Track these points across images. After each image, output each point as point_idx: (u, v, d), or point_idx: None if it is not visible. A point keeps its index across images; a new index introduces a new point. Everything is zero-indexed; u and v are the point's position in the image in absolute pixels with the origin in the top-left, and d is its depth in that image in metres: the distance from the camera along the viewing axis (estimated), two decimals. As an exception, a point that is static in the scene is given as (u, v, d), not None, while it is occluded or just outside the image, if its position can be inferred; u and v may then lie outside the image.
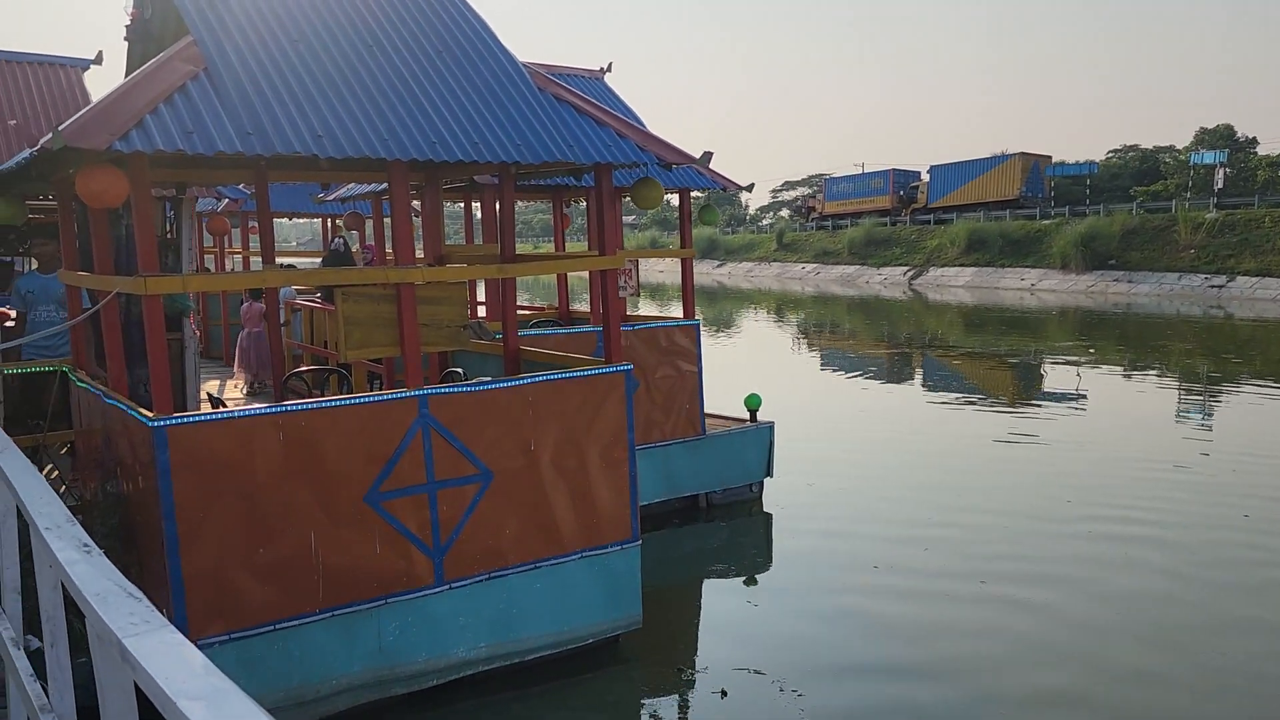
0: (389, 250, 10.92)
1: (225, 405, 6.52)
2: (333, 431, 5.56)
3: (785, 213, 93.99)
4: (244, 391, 13.00)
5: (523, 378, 6.24)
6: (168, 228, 9.61)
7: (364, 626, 5.72)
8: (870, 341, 27.82)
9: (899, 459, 12.70)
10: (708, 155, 6.42)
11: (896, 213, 61.62)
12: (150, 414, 5.12)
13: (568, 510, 6.42)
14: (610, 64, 11.17)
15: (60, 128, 4.53)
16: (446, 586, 5.97)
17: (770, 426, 10.52)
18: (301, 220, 18.49)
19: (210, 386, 12.69)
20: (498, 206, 8.26)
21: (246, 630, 5.35)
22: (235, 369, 13.38)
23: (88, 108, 4.88)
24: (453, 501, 5.96)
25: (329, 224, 16.87)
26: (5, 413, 8.27)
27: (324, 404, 5.59)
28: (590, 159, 6.06)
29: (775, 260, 65.33)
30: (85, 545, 2.50)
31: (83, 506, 7.04)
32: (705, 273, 57.65)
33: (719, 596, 8.39)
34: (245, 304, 12.77)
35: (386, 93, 5.77)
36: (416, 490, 5.85)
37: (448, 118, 5.81)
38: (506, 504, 6.16)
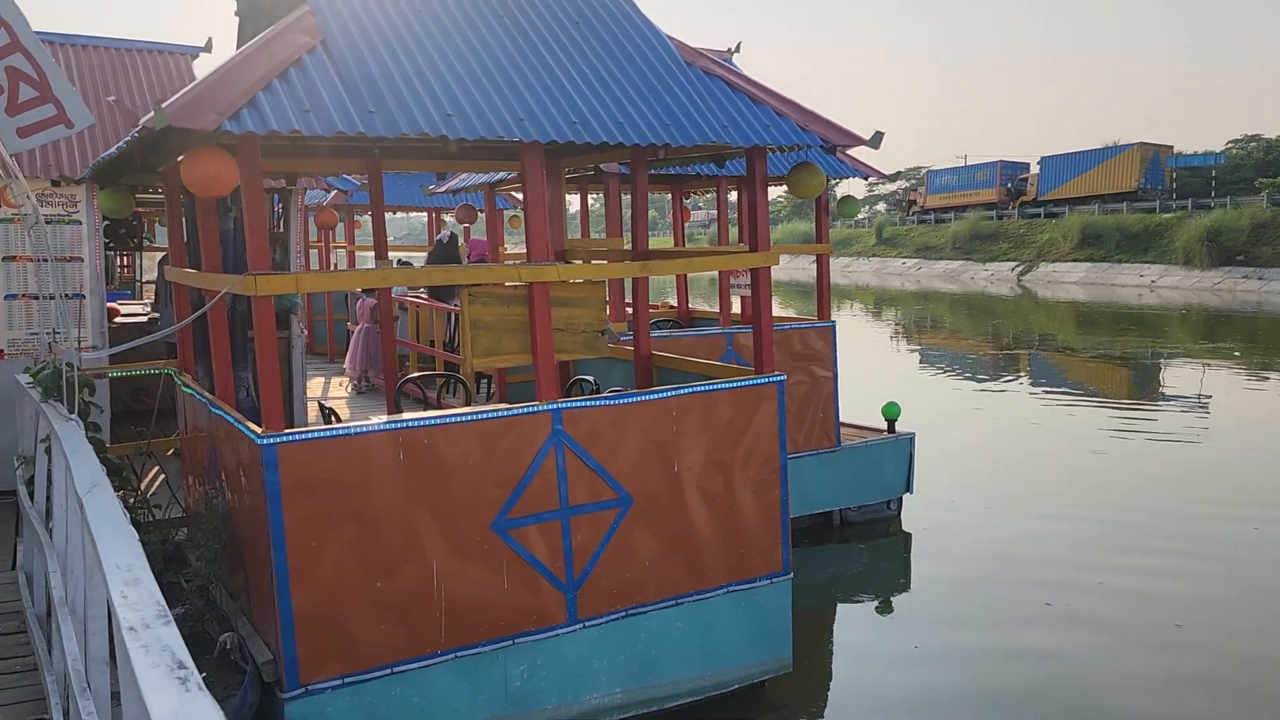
0: (504, 248, 10.33)
1: (336, 414, 5.96)
2: (457, 449, 4.92)
3: (882, 206, 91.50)
4: (350, 390, 12.61)
5: (666, 389, 5.51)
6: (275, 221, 9.18)
7: (490, 669, 5.08)
8: (989, 341, 26.42)
9: (1056, 474, 11.55)
10: (878, 136, 5.60)
11: (1003, 206, 59.22)
12: (259, 430, 4.54)
13: (713, 540, 5.68)
14: (739, 44, 10.35)
15: (164, 105, 3.96)
16: (580, 625, 5.29)
17: (910, 438, 9.62)
18: (398, 214, 18.05)
19: (314, 384, 12.33)
20: (627, 197, 7.56)
21: (362, 674, 4.74)
22: (347, 366, 13.01)
23: (194, 84, 4.31)
24: (588, 530, 5.28)
25: (434, 218, 16.44)
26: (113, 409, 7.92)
27: (447, 419, 4.96)
28: (747, 140, 5.30)
29: (874, 255, 63.51)
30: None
31: (189, 517, 6.59)
32: (799, 268, 56.29)
33: (869, 631, 7.56)
34: (359, 300, 12.37)
35: (520, 68, 5.10)
36: (548, 517, 5.18)
37: (588, 95, 5.11)
38: (647, 532, 5.46)
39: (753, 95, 5.61)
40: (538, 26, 5.45)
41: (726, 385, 5.69)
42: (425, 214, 17.49)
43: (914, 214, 67.43)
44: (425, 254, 14.56)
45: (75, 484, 3.05)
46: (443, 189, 9.77)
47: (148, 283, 16.23)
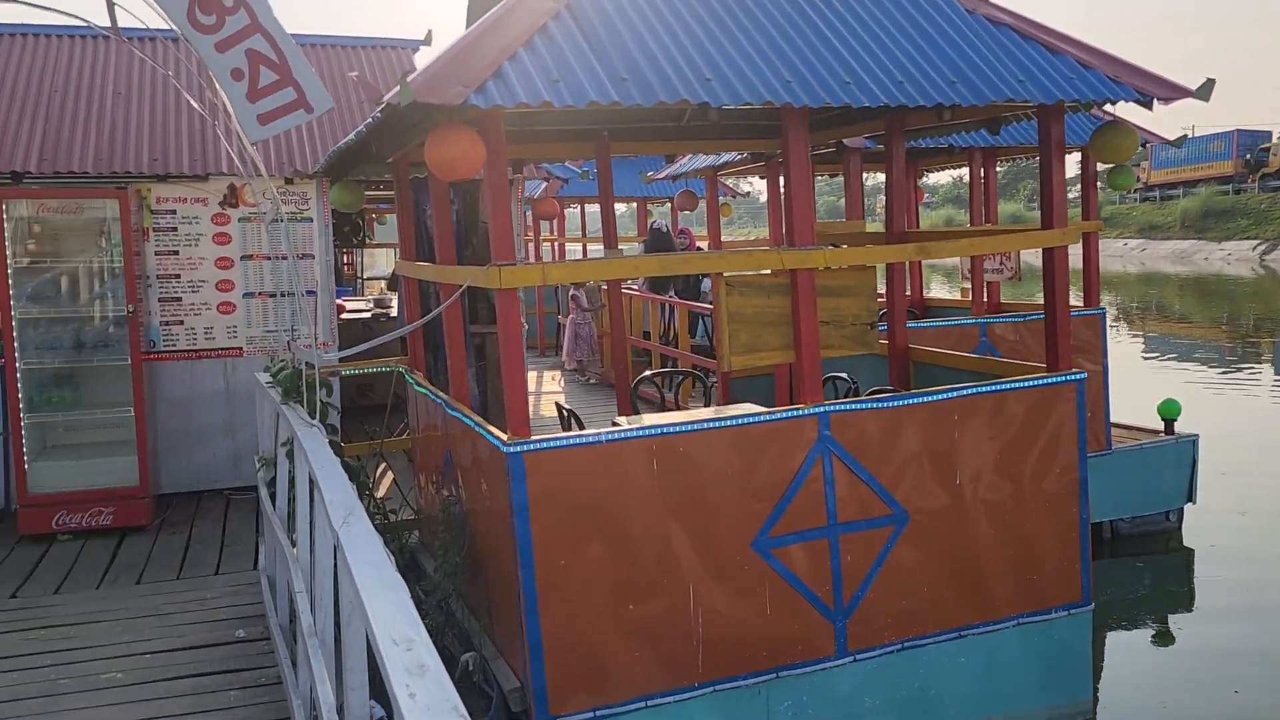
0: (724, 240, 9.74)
1: (576, 417, 5.55)
2: (715, 458, 4.37)
3: (1100, 184, 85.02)
4: (563, 384, 12.42)
5: (946, 389, 4.77)
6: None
7: (750, 705, 4.51)
8: (1237, 328, 23.77)
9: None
10: (1209, 84, 4.64)
11: (1241, 179, 53.81)
12: (504, 436, 4.14)
13: (1000, 564, 4.90)
14: None
15: (408, 79, 3.58)
16: (850, 658, 4.64)
17: (1193, 441, 8.40)
18: (590, 205, 17.60)
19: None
20: (876, 174, 6.81)
21: (615, 706, 4.26)
22: (565, 359, 12.89)
23: (435, 59, 3.93)
24: (859, 550, 4.63)
25: (642, 208, 16.09)
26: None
27: (704, 424, 4.41)
28: (1048, 96, 4.48)
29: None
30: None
31: (420, 520, 6.37)
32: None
33: (1169, 667, 6.54)
34: (571, 292, 12.17)
35: (781, 25, 4.48)
36: (814, 535, 4.56)
37: (860, 53, 4.43)
38: (924, 554, 4.75)
39: (1049, 44, 4.77)
40: (795, -21, 4.81)
41: (1017, 384, 4.89)
42: (629, 204, 17.18)
43: (1136, 190, 62.37)
44: (634, 245, 14.24)
45: (328, 509, 2.68)
46: (662, 175, 9.29)
47: (369, 279, 16.71)
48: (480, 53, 3.85)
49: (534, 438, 4.13)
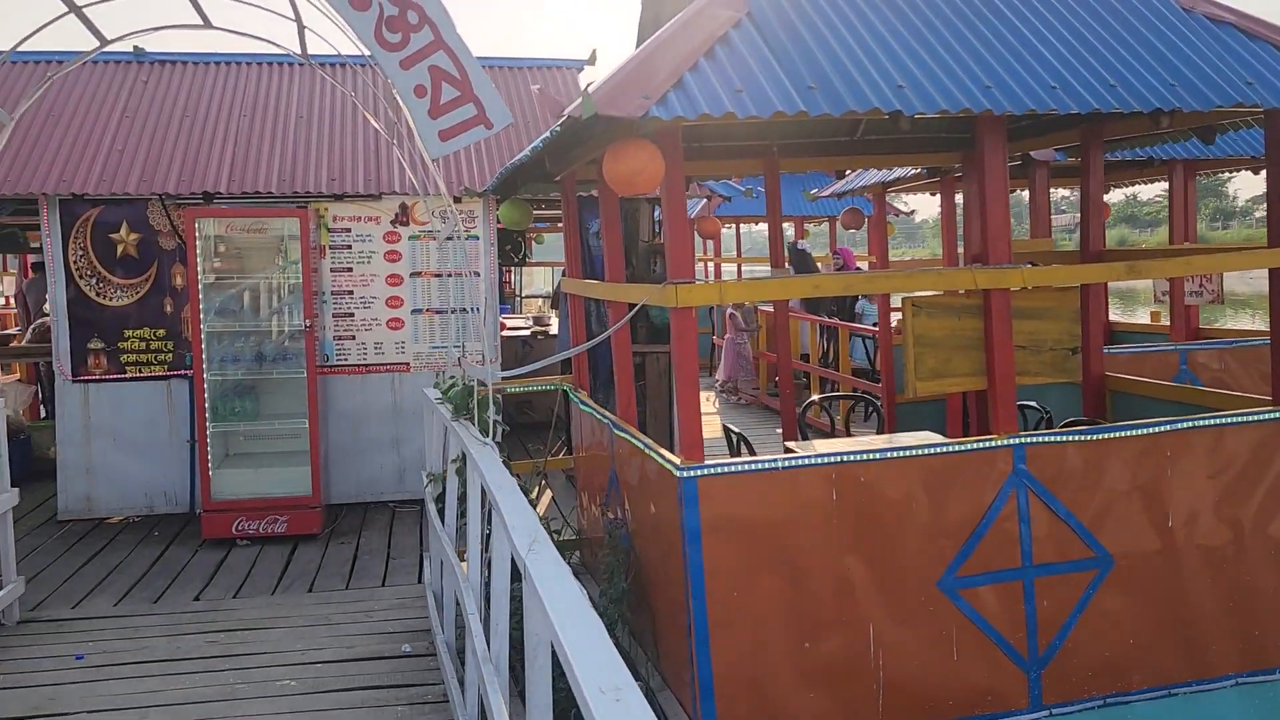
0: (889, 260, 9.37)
1: (746, 441, 5.36)
2: (899, 490, 4.10)
3: None
4: (717, 404, 12.24)
5: (1158, 422, 4.35)
6: (655, 231, 8.88)
7: (933, 757, 4.19)
8: None
9: None
10: None
11: None
12: (678, 460, 3.98)
13: (1218, 616, 4.42)
14: None
15: (589, 90, 3.49)
16: (1045, 713, 4.26)
17: None
18: (745, 227, 17.32)
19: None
20: (1062, 190, 6.37)
21: (787, 751, 4.03)
22: (720, 378, 12.75)
23: (614, 71, 3.84)
24: (1056, 595, 4.25)
25: (799, 229, 15.80)
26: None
27: (888, 453, 4.14)
28: (1282, 99, 4.04)
29: (1280, 257, 54.82)
30: None
31: (582, 541, 6.30)
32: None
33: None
34: (730, 310, 12.01)
35: (976, 27, 4.20)
36: (1007, 576, 4.22)
37: (1065, 54, 4.10)
38: (1131, 602, 4.32)
39: (1277, 43, 4.32)
40: (990, -20, 4.52)
41: (1239, 418, 4.42)
42: (786, 223, 16.88)
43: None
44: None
45: (510, 534, 2.58)
46: (827, 192, 9.02)
47: (526, 296, 16.99)
48: (661, 64, 3.73)
49: (708, 462, 3.96)
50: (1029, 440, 4.22)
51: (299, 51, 5.66)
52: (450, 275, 7.58)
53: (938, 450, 4.15)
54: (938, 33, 4.14)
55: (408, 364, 8.16)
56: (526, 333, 11.88)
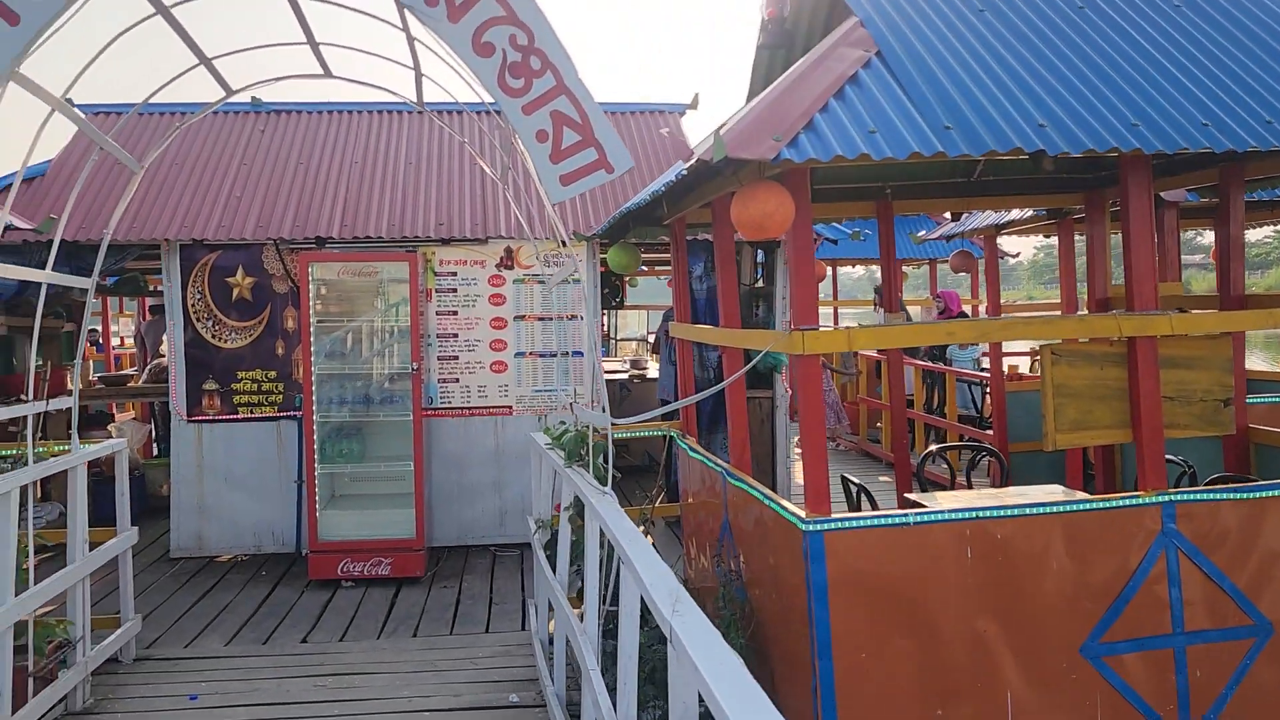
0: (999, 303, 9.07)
1: (868, 493, 5.16)
2: (1038, 548, 3.87)
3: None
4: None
5: (1322, 481, 4.04)
6: (756, 275, 8.77)
7: (1077, 837, 3.90)
8: None
9: None
10: None
11: None
12: (801, 513, 3.83)
13: (1393, 693, 4.05)
14: None
15: (720, 131, 3.42)
16: (1200, 792, 3.95)
17: None
18: (844, 267, 16.95)
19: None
20: (1197, 232, 6.07)
21: (920, 825, 3.80)
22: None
23: (743, 112, 3.76)
24: (1210, 664, 3.95)
25: (899, 269, 15.47)
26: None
27: (1026, 509, 3.92)
28: None
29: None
30: None
31: (690, 591, 6.13)
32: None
33: None
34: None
35: (1117, 62, 4.01)
36: (1156, 643, 3.94)
37: (1215, 90, 3.89)
38: (1294, 675, 3.99)
39: None
40: (1128, 13, 4.33)
41: None
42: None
43: None
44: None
45: (650, 593, 2.47)
46: (935, 235, 8.80)
47: (621, 339, 16.99)
48: (791, 105, 3.64)
49: (836, 516, 3.80)
50: (1179, 497, 3.95)
51: (415, 99, 5.75)
52: (556, 319, 7.58)
53: (1081, 507, 3.91)
54: (1077, 69, 3.97)
55: (510, 407, 8.16)
56: (624, 376, 11.84)
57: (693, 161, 3.67)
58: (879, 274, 15.24)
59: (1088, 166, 5.75)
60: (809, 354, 3.80)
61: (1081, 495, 4.24)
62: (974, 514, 3.85)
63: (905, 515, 3.87)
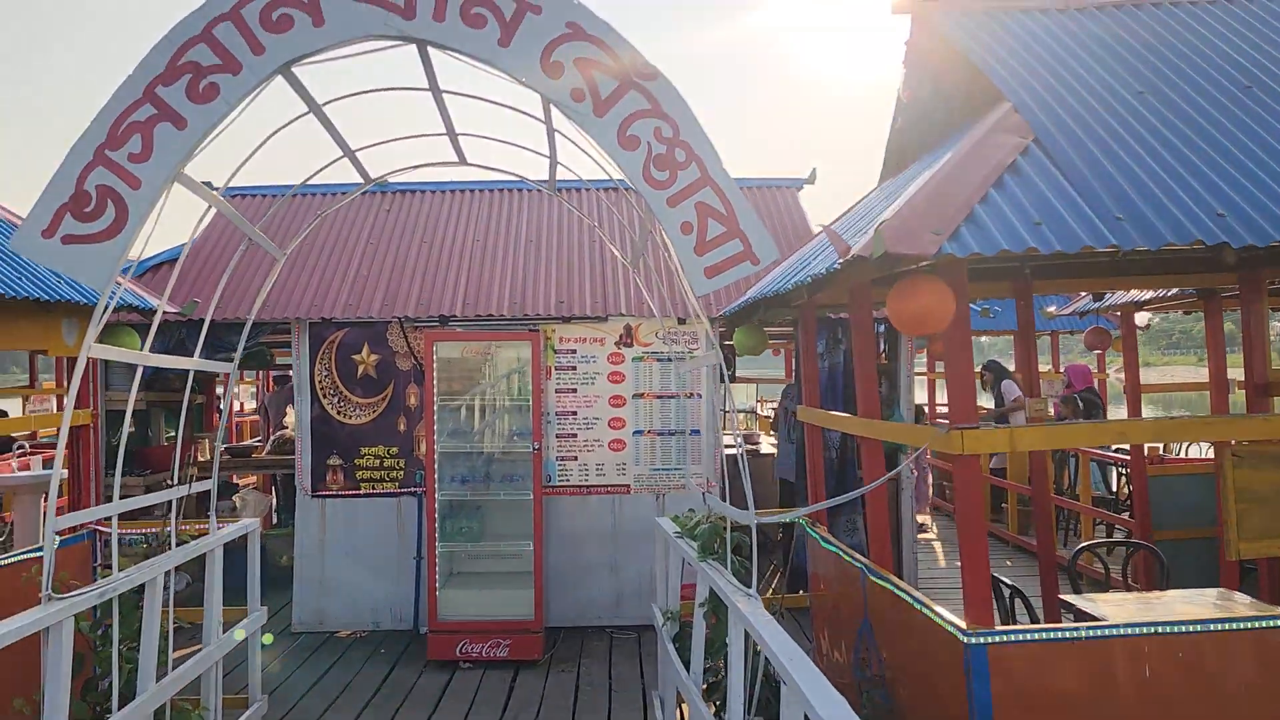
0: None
1: (1023, 596, 4.85)
2: (1227, 667, 3.55)
3: None
4: (934, 531, 11.55)
5: None
6: (880, 352, 8.55)
7: None
8: None
9: None
10: None
11: None
12: (961, 624, 3.60)
13: None
14: None
15: (879, 225, 3.30)
16: None
17: None
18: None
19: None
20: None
21: None
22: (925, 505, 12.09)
23: (903, 207, 3.63)
24: None
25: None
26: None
27: (1213, 625, 3.61)
28: None
29: None
30: None
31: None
32: None
33: None
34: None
35: (1298, 145, 3.78)
36: (1363, 778, 3.55)
37: None
38: None
39: None
40: (1304, 93, 4.10)
41: None
42: (1002, 337, 16.13)
43: None
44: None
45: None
46: (1068, 311, 8.47)
47: (725, 412, 16.82)
48: (949, 197, 3.52)
49: (1000, 629, 3.56)
50: (1384, 615, 3.60)
51: (547, 182, 5.80)
52: (675, 397, 7.47)
53: (1259, 624, 3.59)
54: (1250, 150, 3.76)
55: (628, 486, 8.07)
56: (733, 451, 11.65)
57: (850, 256, 3.55)
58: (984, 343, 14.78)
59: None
60: (968, 454, 3.61)
61: (1271, 609, 3.90)
62: (1154, 629, 3.57)
63: (1076, 629, 3.61)
